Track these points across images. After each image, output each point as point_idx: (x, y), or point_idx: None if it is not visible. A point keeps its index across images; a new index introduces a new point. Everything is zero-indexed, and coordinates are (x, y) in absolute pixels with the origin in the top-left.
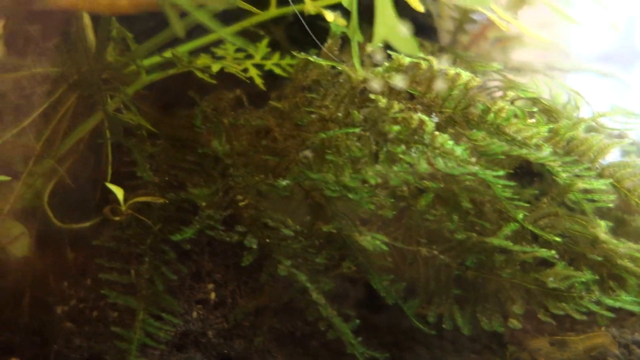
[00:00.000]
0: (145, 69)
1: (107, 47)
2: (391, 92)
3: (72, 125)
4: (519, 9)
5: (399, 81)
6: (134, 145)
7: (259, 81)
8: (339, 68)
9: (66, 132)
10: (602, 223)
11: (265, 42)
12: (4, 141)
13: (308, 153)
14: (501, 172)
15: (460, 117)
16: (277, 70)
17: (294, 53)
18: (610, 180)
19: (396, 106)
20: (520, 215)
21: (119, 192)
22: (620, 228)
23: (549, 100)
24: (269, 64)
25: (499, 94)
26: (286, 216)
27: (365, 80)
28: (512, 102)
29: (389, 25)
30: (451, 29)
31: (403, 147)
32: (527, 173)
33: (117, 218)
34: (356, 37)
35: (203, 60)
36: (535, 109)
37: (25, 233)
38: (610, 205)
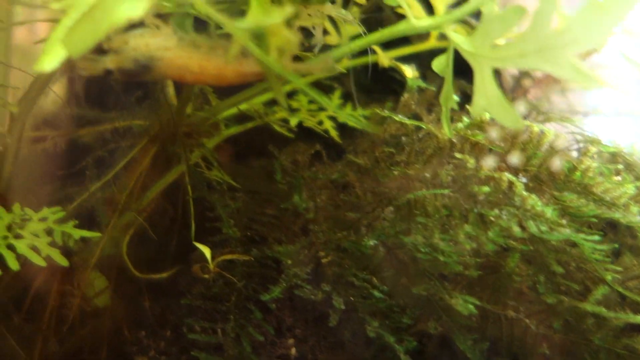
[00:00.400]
0: (224, 122)
1: (188, 101)
2: (473, 149)
3: (153, 178)
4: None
5: (482, 138)
6: (216, 200)
7: (334, 133)
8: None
9: (147, 185)
10: None
11: (338, 93)
12: (90, 193)
13: (390, 211)
14: (597, 237)
15: (546, 176)
16: (351, 122)
17: (373, 108)
18: None
19: (485, 168)
20: (609, 277)
21: (206, 250)
22: None
23: (630, 153)
24: (342, 116)
25: (577, 146)
26: (370, 274)
27: (452, 142)
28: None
29: (490, 97)
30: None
31: (496, 210)
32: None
33: (206, 276)
34: (450, 103)
35: (281, 113)
36: (619, 165)
37: (107, 285)
38: None
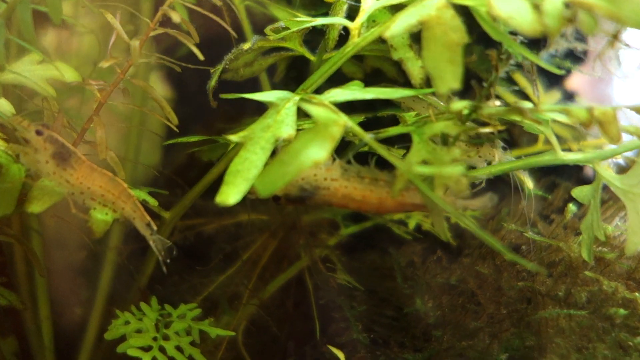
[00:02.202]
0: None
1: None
2: (598, 263)
3: (272, 272)
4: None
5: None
6: (342, 302)
7: (447, 235)
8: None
9: (267, 279)
10: None
11: None
12: (215, 286)
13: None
14: None
15: None
16: (462, 224)
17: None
18: None
19: (621, 289)
20: None
21: (340, 355)
22: None
23: None
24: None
25: None
26: None
27: (586, 263)
28: None
29: None
30: None
31: (638, 338)
32: None
33: None
34: (596, 232)
35: (398, 214)
36: None
37: None
38: None
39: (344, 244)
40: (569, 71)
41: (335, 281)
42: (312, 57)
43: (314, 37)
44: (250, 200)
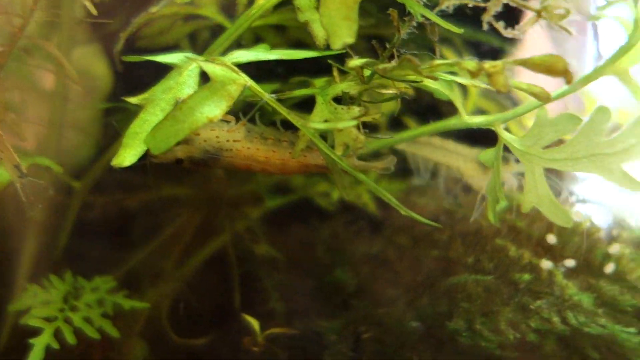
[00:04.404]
0: (268, 195)
1: (234, 173)
2: (509, 232)
3: (197, 246)
4: None
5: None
6: (261, 273)
7: (372, 207)
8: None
9: (191, 253)
10: None
11: None
12: (136, 261)
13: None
14: (632, 329)
15: (582, 263)
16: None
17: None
18: None
19: (527, 255)
20: None
21: (255, 323)
22: None
23: None
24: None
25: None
26: (409, 352)
27: (499, 230)
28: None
29: (540, 195)
30: None
31: (538, 302)
32: None
33: (255, 349)
34: (498, 194)
35: (323, 186)
36: None
37: (146, 352)
38: None
39: (271, 216)
40: (500, 49)
41: (258, 253)
42: (228, 25)
43: None
44: (175, 174)
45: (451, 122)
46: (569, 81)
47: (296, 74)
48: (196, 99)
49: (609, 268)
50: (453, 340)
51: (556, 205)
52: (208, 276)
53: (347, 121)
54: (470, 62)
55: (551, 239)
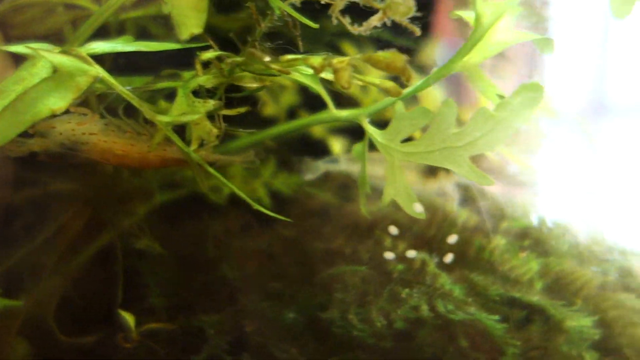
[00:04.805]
0: (158, 190)
1: (123, 168)
2: (391, 224)
3: (85, 243)
4: None
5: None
6: (144, 269)
7: (267, 201)
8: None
9: (79, 250)
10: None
11: (273, 161)
12: (18, 258)
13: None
14: (496, 317)
15: (458, 254)
16: (285, 190)
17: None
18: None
19: (401, 247)
20: (511, 351)
21: (130, 319)
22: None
23: (538, 229)
24: (276, 183)
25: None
26: (290, 344)
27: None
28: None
29: (398, 187)
30: None
31: (407, 290)
32: None
33: (128, 345)
34: (365, 188)
35: (214, 180)
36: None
37: (29, 352)
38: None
39: (161, 211)
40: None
41: (145, 249)
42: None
43: None
44: (62, 170)
45: (322, 116)
46: (407, 79)
47: (182, 67)
48: (39, 90)
49: (452, 239)
50: (332, 332)
51: (412, 197)
52: (96, 273)
53: (194, 115)
54: (316, 58)
55: (393, 229)
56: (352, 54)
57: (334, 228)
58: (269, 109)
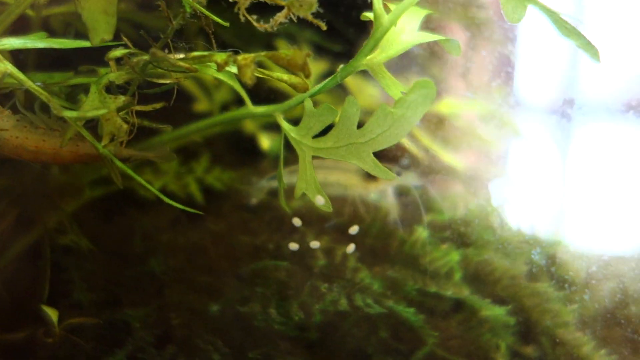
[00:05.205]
0: (88, 186)
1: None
2: (314, 220)
3: (13, 240)
4: None
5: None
6: (71, 264)
7: (199, 196)
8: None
9: (6, 246)
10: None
11: (206, 157)
12: None
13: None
14: (412, 310)
15: (380, 248)
16: (218, 185)
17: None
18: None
19: (324, 241)
20: (431, 340)
21: (53, 314)
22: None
23: (462, 221)
24: (210, 178)
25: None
26: (216, 337)
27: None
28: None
29: (308, 181)
30: None
31: (326, 284)
32: None
33: (50, 340)
34: (282, 183)
35: (147, 175)
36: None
37: None
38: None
39: (91, 207)
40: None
41: (72, 245)
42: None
43: None
44: None
45: (240, 112)
46: (307, 76)
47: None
48: None
49: (354, 230)
50: (253, 324)
51: (320, 191)
52: (24, 270)
53: (101, 110)
54: (221, 55)
55: (297, 221)
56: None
57: (260, 223)
58: (203, 105)
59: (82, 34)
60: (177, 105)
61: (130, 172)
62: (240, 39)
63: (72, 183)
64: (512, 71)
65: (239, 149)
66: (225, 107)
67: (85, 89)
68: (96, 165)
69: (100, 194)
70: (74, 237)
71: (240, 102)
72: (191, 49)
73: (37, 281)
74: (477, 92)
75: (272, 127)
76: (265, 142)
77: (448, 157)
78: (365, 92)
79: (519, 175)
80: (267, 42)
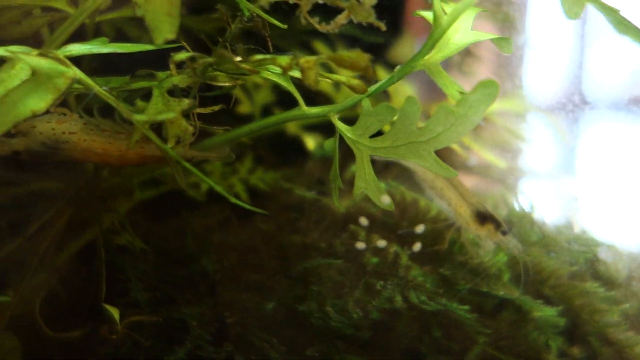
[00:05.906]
0: (138, 187)
1: (104, 166)
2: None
3: (68, 240)
4: None
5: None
6: (126, 264)
7: (244, 196)
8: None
9: (62, 247)
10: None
11: (250, 157)
12: (3, 255)
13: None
14: (467, 307)
15: (430, 249)
16: (261, 185)
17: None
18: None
19: (375, 240)
20: (482, 339)
21: (114, 312)
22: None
23: (507, 221)
24: (253, 179)
25: None
26: (270, 334)
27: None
28: None
29: (367, 180)
30: None
31: (382, 281)
32: None
33: (113, 337)
34: (337, 183)
35: (193, 177)
36: None
37: (17, 347)
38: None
39: (143, 208)
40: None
41: (127, 245)
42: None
43: None
44: (45, 169)
45: (293, 114)
46: (369, 77)
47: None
48: (20, 92)
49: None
50: (311, 323)
51: (379, 188)
52: (80, 270)
53: (169, 113)
54: (284, 58)
55: (363, 220)
56: (324, 52)
57: (309, 222)
58: (244, 107)
59: (130, 39)
60: (222, 108)
61: (197, 172)
62: (279, 39)
63: (123, 185)
64: (554, 69)
65: (282, 150)
66: (266, 109)
67: (142, 94)
68: (146, 167)
69: (150, 195)
70: (128, 238)
71: (278, 104)
72: (249, 52)
73: (92, 280)
74: (514, 89)
75: (315, 128)
76: (310, 142)
77: (489, 155)
78: (401, 93)
79: (559, 174)
80: (299, 40)
